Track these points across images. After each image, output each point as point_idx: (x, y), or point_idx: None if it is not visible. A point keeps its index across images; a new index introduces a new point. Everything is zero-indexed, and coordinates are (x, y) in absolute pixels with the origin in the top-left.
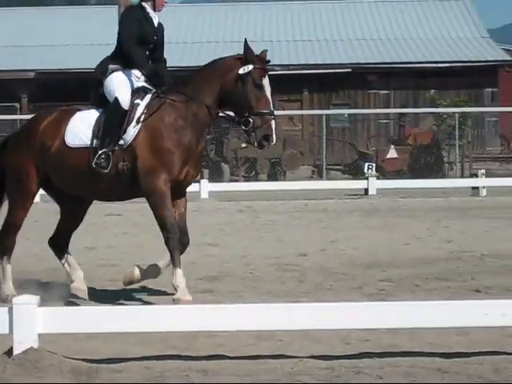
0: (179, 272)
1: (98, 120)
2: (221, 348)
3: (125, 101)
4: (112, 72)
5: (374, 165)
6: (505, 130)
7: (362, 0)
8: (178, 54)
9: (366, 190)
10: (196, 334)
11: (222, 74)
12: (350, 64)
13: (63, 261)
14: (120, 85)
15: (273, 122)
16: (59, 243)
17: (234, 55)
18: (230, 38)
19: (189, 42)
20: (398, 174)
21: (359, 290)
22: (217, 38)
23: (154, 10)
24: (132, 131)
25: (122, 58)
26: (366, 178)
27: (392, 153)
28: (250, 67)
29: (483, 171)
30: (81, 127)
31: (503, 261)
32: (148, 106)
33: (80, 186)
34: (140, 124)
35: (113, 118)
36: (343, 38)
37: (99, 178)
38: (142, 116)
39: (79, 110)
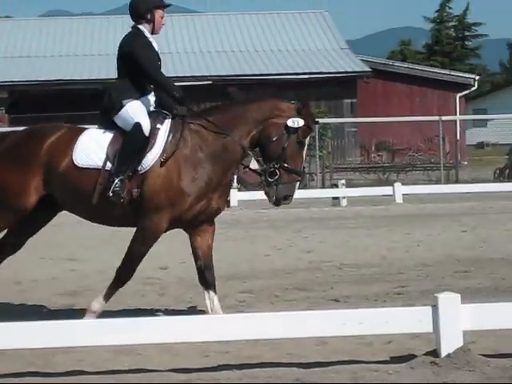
0: (101, 301)
1: (112, 143)
2: (80, 363)
3: (146, 126)
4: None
5: (235, 176)
6: (364, 140)
7: (221, 13)
8: None
9: (228, 202)
10: (54, 350)
11: (269, 117)
12: (211, 76)
13: None
14: (137, 111)
15: (297, 184)
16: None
17: (280, 99)
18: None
19: None
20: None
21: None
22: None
23: (152, 33)
24: (151, 158)
25: (135, 87)
26: None
27: (253, 164)
28: (301, 123)
29: (343, 181)
30: (91, 147)
31: (361, 270)
32: (170, 132)
33: (82, 207)
34: (160, 150)
35: (133, 144)
36: (203, 51)
37: (107, 203)
38: (163, 142)
39: (86, 128)
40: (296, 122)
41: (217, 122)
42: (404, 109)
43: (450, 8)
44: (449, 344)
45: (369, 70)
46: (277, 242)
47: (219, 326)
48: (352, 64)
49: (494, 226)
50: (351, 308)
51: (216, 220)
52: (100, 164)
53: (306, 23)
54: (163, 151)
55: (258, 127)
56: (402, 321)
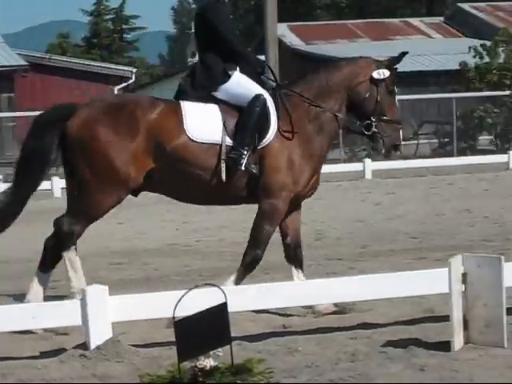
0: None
1: (225, 116)
2: None
3: (268, 98)
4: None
5: None
6: (23, 134)
7: None
8: None
9: None
10: None
11: (354, 77)
12: None
13: None
14: (249, 82)
15: (401, 131)
16: None
17: (355, 59)
18: None
19: None
20: None
21: None
22: None
23: None
24: (270, 132)
25: (223, 59)
26: None
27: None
28: (387, 73)
29: (0, 176)
30: (202, 122)
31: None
32: (275, 105)
33: (192, 185)
34: (275, 125)
35: (257, 117)
36: None
37: (221, 179)
38: (275, 117)
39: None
40: (382, 73)
41: (309, 95)
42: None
43: (107, 1)
44: (97, 336)
45: (26, 63)
46: None
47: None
48: (9, 58)
49: (150, 217)
50: None
51: None
52: (218, 139)
53: None
54: (278, 126)
55: (347, 92)
56: (52, 315)
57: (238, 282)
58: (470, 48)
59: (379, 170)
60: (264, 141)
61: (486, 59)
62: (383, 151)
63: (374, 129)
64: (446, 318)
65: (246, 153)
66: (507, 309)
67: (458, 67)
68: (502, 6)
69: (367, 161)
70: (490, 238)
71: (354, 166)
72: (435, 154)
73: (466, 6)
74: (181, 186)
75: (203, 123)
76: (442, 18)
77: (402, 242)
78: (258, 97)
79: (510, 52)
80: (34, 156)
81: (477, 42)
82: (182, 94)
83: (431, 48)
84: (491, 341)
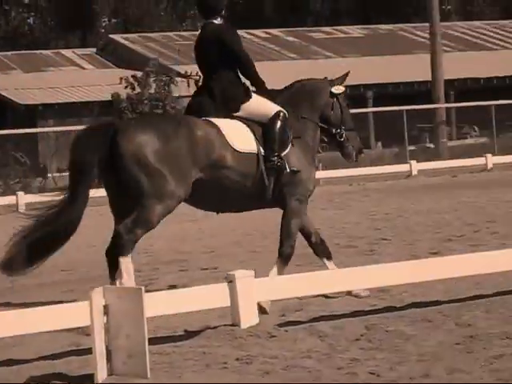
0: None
1: (253, 130)
2: None
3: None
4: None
5: None
6: None
7: None
8: None
9: None
10: None
11: (322, 93)
12: None
13: None
14: (267, 102)
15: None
16: None
17: (318, 80)
18: None
19: None
20: None
21: None
22: None
23: None
24: (289, 141)
25: (246, 77)
26: None
27: None
28: (342, 88)
29: None
30: (241, 135)
31: None
32: None
33: (237, 191)
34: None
35: (281, 130)
36: None
37: (264, 183)
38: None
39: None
40: (338, 89)
41: (299, 110)
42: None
43: None
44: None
45: None
46: None
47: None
48: None
49: None
50: None
51: None
52: (255, 148)
53: None
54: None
55: (320, 105)
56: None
57: (280, 273)
58: (121, 79)
59: (33, 203)
60: (285, 149)
61: (138, 89)
62: (353, 156)
63: (341, 138)
64: (90, 351)
65: (277, 158)
66: (150, 339)
67: (110, 98)
68: (153, 37)
69: (21, 194)
70: (139, 268)
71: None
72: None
73: (117, 37)
74: (221, 194)
75: (238, 135)
76: (94, 50)
77: (50, 275)
78: (278, 113)
79: (160, 82)
80: (81, 171)
81: (128, 73)
82: (200, 112)
83: (84, 79)
84: (134, 371)
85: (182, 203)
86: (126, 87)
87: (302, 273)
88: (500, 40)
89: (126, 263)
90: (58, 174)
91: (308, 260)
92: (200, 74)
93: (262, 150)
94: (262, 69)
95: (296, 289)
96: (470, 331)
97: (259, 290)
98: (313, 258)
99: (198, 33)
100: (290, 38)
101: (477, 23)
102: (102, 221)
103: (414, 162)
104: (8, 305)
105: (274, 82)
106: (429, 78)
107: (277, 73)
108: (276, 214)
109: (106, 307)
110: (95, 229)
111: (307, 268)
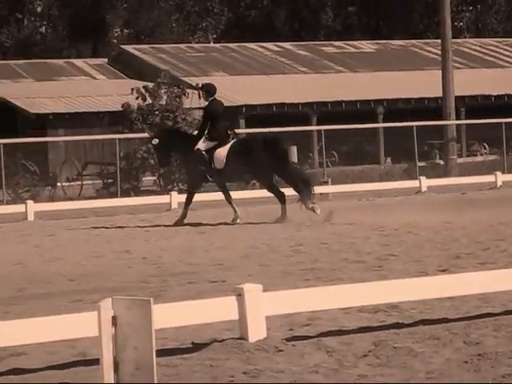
0: None
1: None
2: None
3: None
4: None
5: None
6: None
7: None
8: None
9: None
10: None
11: None
12: None
13: None
14: None
15: None
16: None
17: None
18: None
19: None
20: None
21: None
22: None
23: None
24: None
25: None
26: None
27: None
28: None
29: None
30: None
31: None
32: None
33: None
34: None
35: None
36: None
37: None
38: None
39: None
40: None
41: None
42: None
43: None
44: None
45: None
46: None
47: None
48: None
49: None
50: None
51: None
52: None
53: None
54: None
55: None
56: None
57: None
58: (132, 89)
59: (42, 212)
60: None
61: (149, 100)
62: None
63: None
64: (98, 362)
65: None
66: (158, 351)
67: (121, 108)
68: (165, 49)
69: (30, 202)
70: (147, 280)
71: (17, 208)
72: (99, 194)
73: (129, 48)
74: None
75: None
76: (106, 60)
77: (58, 284)
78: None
79: (171, 93)
80: None
81: (140, 84)
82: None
83: (95, 89)
84: (142, 383)
85: None
86: (137, 98)
87: (311, 287)
88: None
89: None
90: (67, 184)
91: (317, 275)
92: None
93: None
94: (273, 82)
95: (304, 303)
96: (478, 349)
97: (267, 304)
98: (322, 272)
99: (208, 45)
100: (302, 52)
101: (489, 40)
102: (109, 231)
103: (423, 178)
104: (15, 314)
105: (284, 96)
106: (440, 94)
107: (288, 86)
108: (282, 229)
109: (114, 318)
110: (103, 238)
111: (315, 283)
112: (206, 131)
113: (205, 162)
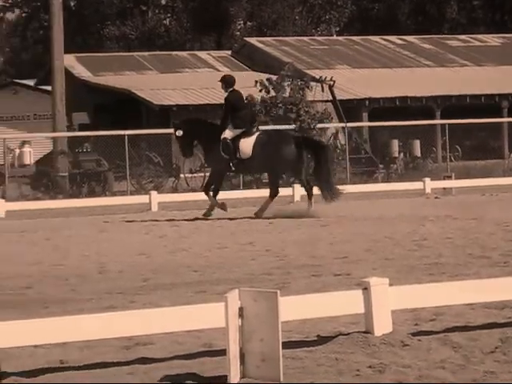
0: None
1: None
2: None
3: None
4: None
5: None
6: None
7: None
8: None
9: None
10: None
11: None
12: None
13: None
14: None
15: None
16: None
17: None
18: None
19: None
20: None
21: None
22: None
23: None
24: None
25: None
26: None
27: None
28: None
29: None
30: None
31: None
32: None
33: None
34: None
35: None
36: None
37: None
38: None
39: None
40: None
41: None
42: None
43: None
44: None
45: None
46: None
47: None
48: None
49: None
50: None
51: None
52: None
53: None
54: None
55: None
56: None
57: None
58: (256, 82)
59: (166, 203)
60: None
61: (272, 93)
62: None
63: None
64: (223, 353)
65: None
66: (283, 343)
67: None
68: (288, 41)
69: (154, 193)
70: (270, 272)
71: (140, 199)
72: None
73: (253, 40)
74: None
75: None
76: (229, 52)
77: (183, 275)
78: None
79: (295, 86)
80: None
81: (263, 76)
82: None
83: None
84: (267, 375)
85: None
86: (260, 90)
87: (436, 282)
88: None
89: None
90: (190, 175)
91: (441, 270)
92: (334, 79)
93: None
94: (396, 75)
95: (430, 298)
96: None
97: (393, 298)
98: (446, 268)
99: (331, 38)
100: (426, 45)
101: None
102: (232, 223)
103: None
104: (141, 303)
105: (408, 89)
106: None
107: (412, 80)
108: (405, 223)
109: (241, 310)
110: (226, 230)
111: (440, 278)
112: (229, 120)
113: (230, 152)
